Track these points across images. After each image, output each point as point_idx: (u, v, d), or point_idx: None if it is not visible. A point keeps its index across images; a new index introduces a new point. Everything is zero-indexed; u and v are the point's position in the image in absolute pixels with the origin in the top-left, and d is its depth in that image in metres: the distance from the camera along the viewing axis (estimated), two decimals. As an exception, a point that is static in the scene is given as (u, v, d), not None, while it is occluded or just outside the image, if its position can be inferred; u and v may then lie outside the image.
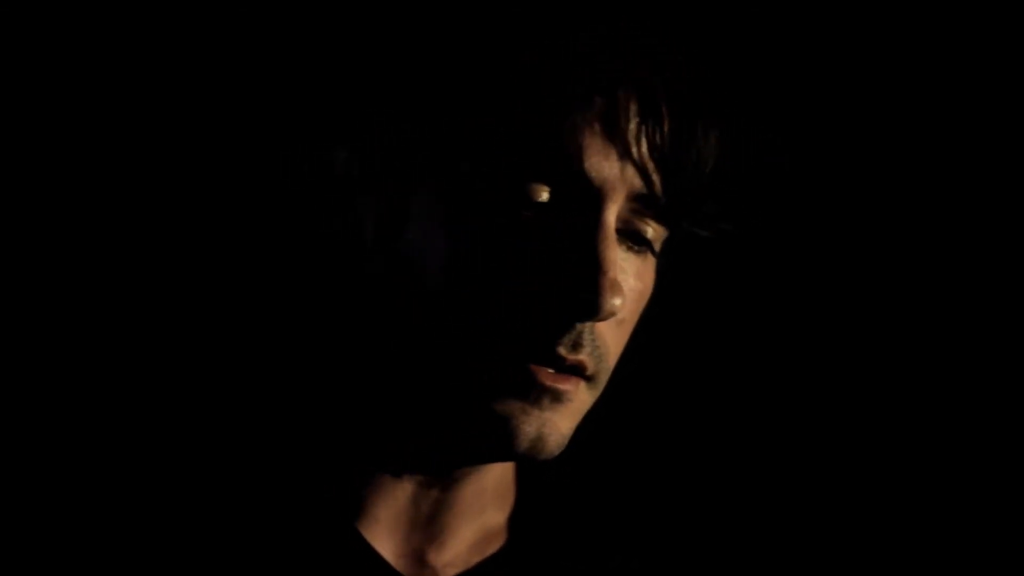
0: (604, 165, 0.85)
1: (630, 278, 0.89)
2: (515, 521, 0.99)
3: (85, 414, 1.04)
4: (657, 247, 0.91)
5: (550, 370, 0.85)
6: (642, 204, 0.87)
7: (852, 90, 1.26)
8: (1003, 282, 1.26)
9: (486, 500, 0.96)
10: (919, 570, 1.26)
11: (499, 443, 0.86)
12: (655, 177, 0.86)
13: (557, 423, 0.87)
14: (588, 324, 0.86)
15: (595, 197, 0.85)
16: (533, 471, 1.00)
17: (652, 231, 0.89)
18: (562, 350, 0.85)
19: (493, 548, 0.97)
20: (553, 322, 0.85)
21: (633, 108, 0.85)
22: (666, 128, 0.86)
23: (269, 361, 1.04)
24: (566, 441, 0.88)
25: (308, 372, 0.97)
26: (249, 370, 1.04)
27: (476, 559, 0.96)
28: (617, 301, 0.84)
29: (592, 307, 0.84)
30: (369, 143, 0.89)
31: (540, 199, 0.85)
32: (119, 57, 1.11)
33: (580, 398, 0.88)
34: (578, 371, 0.87)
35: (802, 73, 1.24)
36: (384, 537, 0.92)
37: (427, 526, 0.94)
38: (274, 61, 1.07)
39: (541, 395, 0.85)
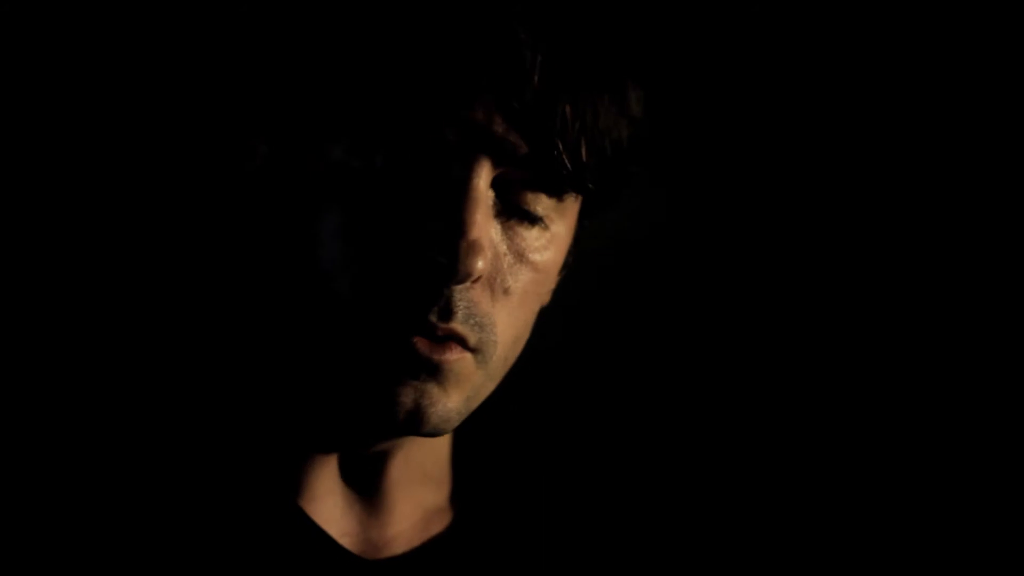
0: (461, 131, 0.83)
1: (526, 250, 0.87)
2: (456, 502, 0.99)
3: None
4: (554, 219, 0.89)
5: (427, 340, 0.84)
6: (520, 171, 0.85)
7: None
8: (1003, 282, 1.26)
9: (420, 478, 0.96)
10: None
11: (378, 416, 0.85)
12: (519, 141, 0.83)
13: (438, 396, 0.85)
14: (458, 291, 0.84)
15: (459, 162, 0.83)
16: (467, 453, 1.01)
17: (544, 199, 0.87)
18: (433, 317, 0.83)
19: (437, 528, 0.97)
20: (420, 290, 0.83)
21: (487, 73, 0.83)
22: (523, 94, 0.82)
23: (196, 346, 1.03)
24: (454, 416, 0.87)
25: (229, 354, 0.97)
26: (165, 360, 1.03)
27: (420, 539, 0.96)
28: (477, 262, 0.82)
29: (450, 269, 0.82)
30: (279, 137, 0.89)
31: (403, 170, 0.84)
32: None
33: (465, 371, 0.86)
34: (456, 339, 0.85)
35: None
36: (327, 515, 0.92)
37: (366, 504, 0.94)
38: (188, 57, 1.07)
39: (417, 366, 0.84)
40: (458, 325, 0.84)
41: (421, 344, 0.84)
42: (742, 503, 1.26)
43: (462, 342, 0.85)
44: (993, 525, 1.24)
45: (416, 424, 0.85)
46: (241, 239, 0.92)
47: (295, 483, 0.91)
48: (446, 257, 0.82)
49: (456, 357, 0.85)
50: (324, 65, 0.85)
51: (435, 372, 0.85)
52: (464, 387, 0.87)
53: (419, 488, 0.97)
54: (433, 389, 0.85)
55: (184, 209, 1.08)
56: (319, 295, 0.85)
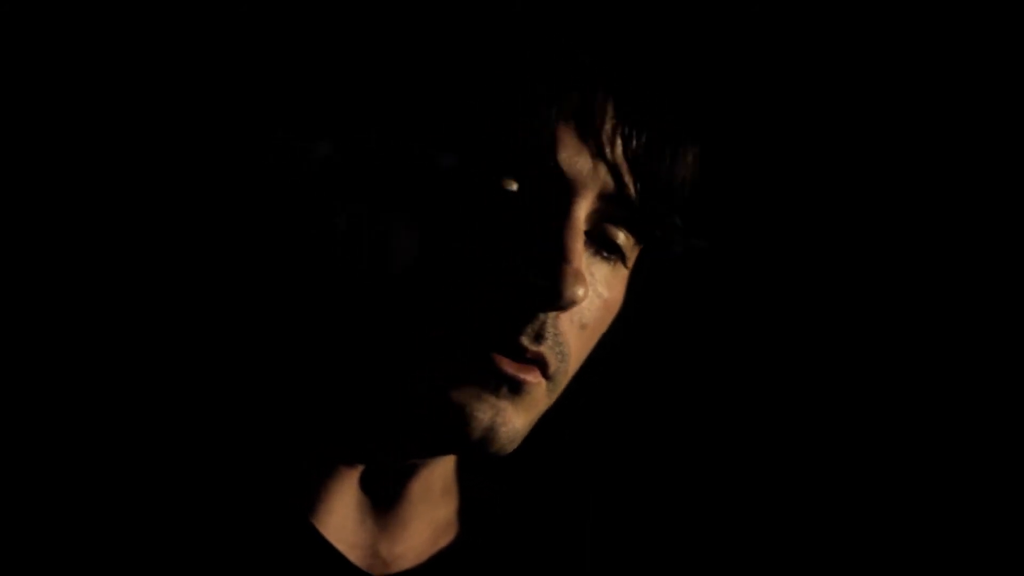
0: (576, 160, 0.84)
1: (599, 284, 0.89)
2: (464, 515, 0.99)
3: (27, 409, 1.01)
4: (629, 259, 0.90)
5: (510, 359, 0.84)
6: (614, 208, 0.87)
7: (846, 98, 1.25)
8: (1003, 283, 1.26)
9: (435, 495, 0.96)
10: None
11: (452, 432, 0.84)
12: (627, 180, 0.86)
13: (511, 416, 0.85)
14: (551, 317, 0.85)
15: (565, 191, 0.84)
16: (472, 467, 1.00)
17: (623, 238, 0.89)
18: (524, 340, 0.84)
19: (444, 542, 0.97)
20: (516, 312, 0.83)
21: (611, 108, 0.85)
22: (643, 133, 0.86)
23: (220, 353, 1.01)
24: (518, 439, 0.87)
25: (259, 363, 0.96)
26: (201, 362, 1.02)
27: (428, 552, 0.96)
28: (580, 291, 0.83)
29: (553, 295, 0.82)
30: (352, 137, 0.88)
31: (510, 190, 0.84)
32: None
33: (538, 395, 0.87)
34: (540, 364, 0.85)
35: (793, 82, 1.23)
36: (337, 528, 0.91)
37: (379, 518, 0.93)
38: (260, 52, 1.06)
39: (500, 383, 0.84)
40: (547, 350, 0.85)
41: (506, 363, 0.84)
42: (748, 517, 1.26)
43: (544, 367, 0.86)
44: (993, 525, 1.24)
45: (487, 443, 0.85)
46: (308, 244, 0.90)
47: (309, 494, 0.91)
48: (549, 281, 0.83)
49: (536, 381, 0.86)
50: (454, 79, 0.85)
51: (516, 390, 0.85)
52: (532, 412, 0.87)
53: (433, 504, 0.97)
54: (508, 408, 0.85)
55: (238, 211, 1.07)
56: (402, 304, 0.85)
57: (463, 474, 1.01)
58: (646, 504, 1.14)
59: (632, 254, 0.90)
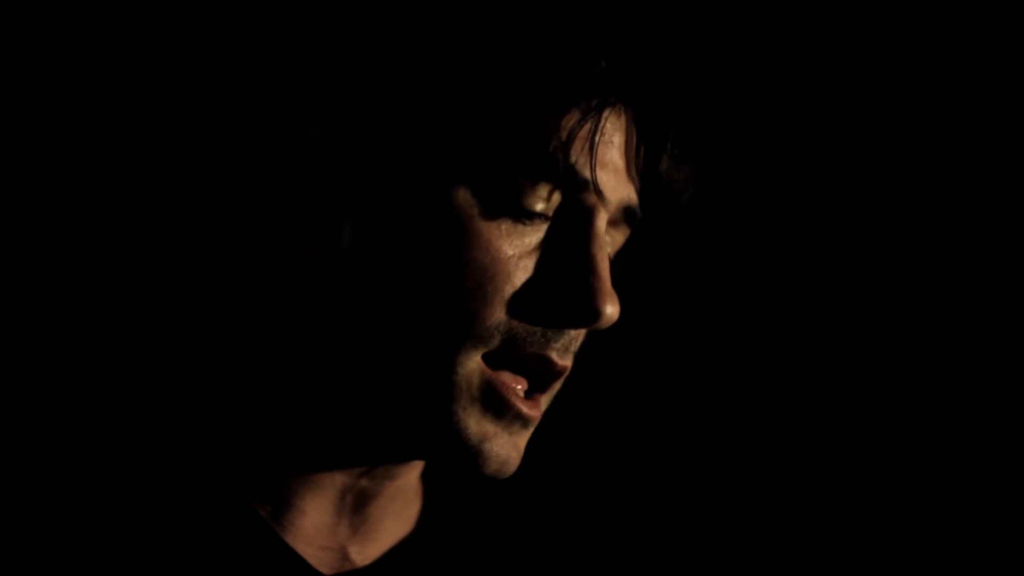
0: (602, 175, 0.85)
1: None
2: (427, 506, 0.99)
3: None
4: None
5: (520, 391, 0.87)
6: (622, 217, 0.89)
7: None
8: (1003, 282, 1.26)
9: (408, 493, 0.97)
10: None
11: (470, 462, 0.87)
12: (641, 192, 0.88)
13: (519, 445, 0.89)
14: (580, 332, 0.87)
15: (591, 206, 0.86)
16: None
17: (615, 242, 0.91)
18: (554, 355, 0.86)
19: (405, 531, 0.97)
20: (547, 328, 0.85)
21: (633, 123, 0.87)
22: (664, 150, 0.88)
23: (212, 357, 1.00)
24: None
25: (252, 368, 0.94)
26: (191, 365, 1.01)
27: (390, 543, 0.95)
28: (610, 309, 0.85)
29: (590, 314, 0.84)
30: (355, 126, 0.86)
31: (536, 206, 0.85)
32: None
33: (535, 423, 0.90)
34: (551, 379, 0.88)
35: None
36: (308, 533, 0.90)
37: (353, 519, 0.93)
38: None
39: (514, 420, 0.87)
40: (568, 362, 0.88)
41: (519, 399, 0.86)
42: (717, 516, 1.27)
43: (558, 376, 0.88)
44: (993, 525, 1.24)
45: (503, 472, 0.88)
46: (312, 249, 0.89)
47: (283, 500, 0.90)
48: (584, 301, 0.85)
49: (538, 414, 0.89)
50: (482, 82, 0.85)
51: (524, 427, 0.88)
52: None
53: (405, 502, 0.97)
54: (518, 441, 0.88)
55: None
56: (430, 325, 0.85)
57: (427, 469, 1.01)
58: (607, 495, 1.15)
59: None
